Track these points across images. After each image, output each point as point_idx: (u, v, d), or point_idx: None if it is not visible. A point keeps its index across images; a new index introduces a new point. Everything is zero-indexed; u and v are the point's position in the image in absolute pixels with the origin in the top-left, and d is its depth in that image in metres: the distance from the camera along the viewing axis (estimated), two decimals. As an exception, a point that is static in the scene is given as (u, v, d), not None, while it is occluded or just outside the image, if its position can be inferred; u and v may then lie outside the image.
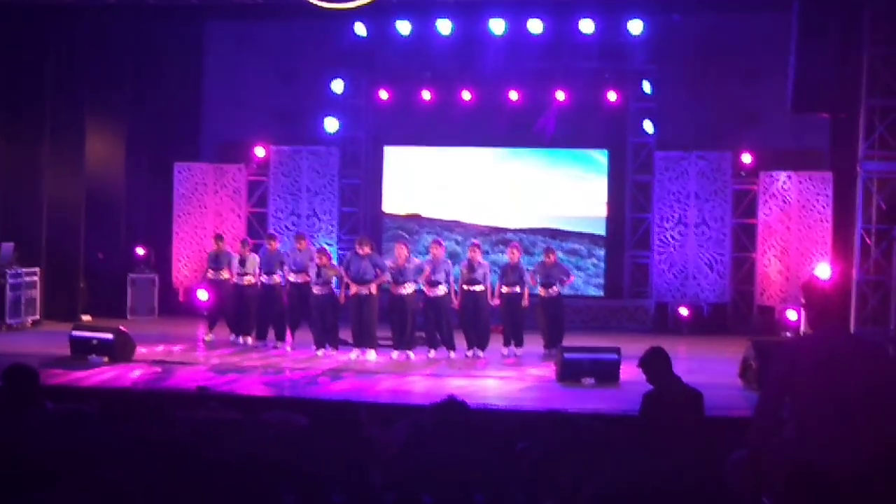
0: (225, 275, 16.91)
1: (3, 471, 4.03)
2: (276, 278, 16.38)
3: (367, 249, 15.37)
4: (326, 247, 17.68)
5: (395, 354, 15.35)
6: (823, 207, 18.75)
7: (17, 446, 4.29)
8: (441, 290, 15.46)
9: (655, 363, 8.08)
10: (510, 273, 15.94)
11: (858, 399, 5.49)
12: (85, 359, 14.29)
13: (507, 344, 16.03)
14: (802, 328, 16.81)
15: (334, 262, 17.35)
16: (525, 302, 15.93)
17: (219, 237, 17.48)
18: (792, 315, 18.00)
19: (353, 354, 15.31)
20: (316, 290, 15.58)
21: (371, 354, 15.26)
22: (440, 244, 15.88)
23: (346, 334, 15.74)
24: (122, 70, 19.74)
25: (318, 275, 15.54)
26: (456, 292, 15.67)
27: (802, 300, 6.02)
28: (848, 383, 5.53)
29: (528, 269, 16.19)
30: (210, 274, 17.16)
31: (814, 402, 5.58)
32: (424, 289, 15.51)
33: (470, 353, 15.59)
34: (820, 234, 18.73)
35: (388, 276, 15.30)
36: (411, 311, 15.41)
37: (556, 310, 16.27)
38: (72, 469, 3.97)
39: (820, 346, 5.72)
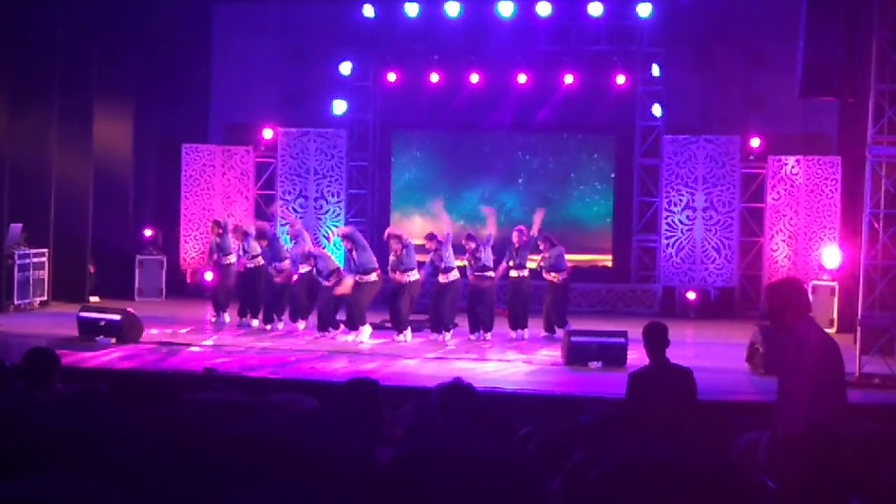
0: (232, 259, 16.97)
1: (12, 449, 4.06)
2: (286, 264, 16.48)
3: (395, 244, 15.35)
4: (334, 228, 17.71)
5: (399, 337, 15.34)
6: (832, 192, 18.75)
7: (26, 425, 4.31)
8: (453, 275, 15.47)
9: (657, 337, 8.08)
10: (515, 256, 15.88)
11: (821, 381, 6.32)
12: (93, 340, 14.31)
13: (513, 328, 16.03)
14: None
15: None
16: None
17: (217, 223, 17.45)
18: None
19: (351, 337, 15.28)
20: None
21: (364, 334, 15.26)
22: (434, 238, 15.57)
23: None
24: (131, 52, 19.73)
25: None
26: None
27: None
28: (813, 369, 6.33)
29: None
30: (216, 258, 17.20)
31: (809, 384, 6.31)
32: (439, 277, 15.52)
33: (473, 337, 15.59)
34: (828, 219, 18.74)
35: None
36: (411, 295, 15.39)
37: (562, 293, 16.29)
38: (79, 449, 3.99)
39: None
